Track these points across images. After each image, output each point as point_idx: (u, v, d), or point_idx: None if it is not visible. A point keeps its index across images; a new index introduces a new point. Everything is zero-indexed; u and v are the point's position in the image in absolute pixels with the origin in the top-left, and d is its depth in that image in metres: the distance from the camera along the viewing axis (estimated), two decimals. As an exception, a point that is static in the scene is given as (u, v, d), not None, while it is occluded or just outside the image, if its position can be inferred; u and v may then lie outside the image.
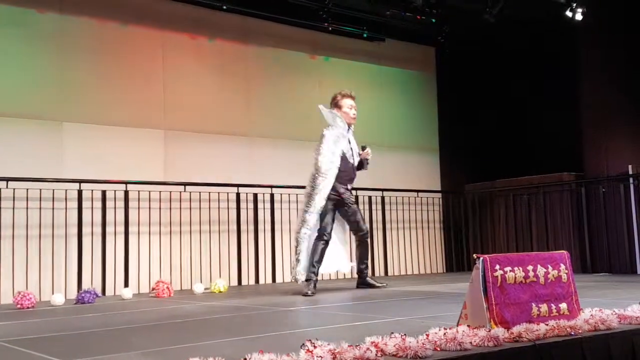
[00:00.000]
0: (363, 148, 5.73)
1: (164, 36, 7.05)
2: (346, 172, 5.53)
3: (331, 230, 5.47)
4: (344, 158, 5.51)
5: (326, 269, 5.63)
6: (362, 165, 5.77)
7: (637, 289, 5.00)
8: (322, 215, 5.42)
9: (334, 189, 5.46)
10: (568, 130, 8.24)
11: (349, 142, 5.60)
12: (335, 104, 5.64)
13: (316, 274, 5.37)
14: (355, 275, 5.91)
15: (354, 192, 7.65)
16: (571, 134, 8.08)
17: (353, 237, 5.80)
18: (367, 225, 5.88)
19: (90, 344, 3.11)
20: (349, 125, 5.62)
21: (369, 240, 5.84)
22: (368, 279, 5.79)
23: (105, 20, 6.69)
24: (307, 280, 5.31)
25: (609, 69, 7.61)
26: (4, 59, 6.11)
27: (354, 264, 5.81)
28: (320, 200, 5.35)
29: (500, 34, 8.49)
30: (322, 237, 5.41)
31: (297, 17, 7.76)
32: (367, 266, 5.78)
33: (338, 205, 5.52)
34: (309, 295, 5.12)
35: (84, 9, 6.57)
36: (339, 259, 5.66)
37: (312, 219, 5.37)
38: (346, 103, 5.60)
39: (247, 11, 7.48)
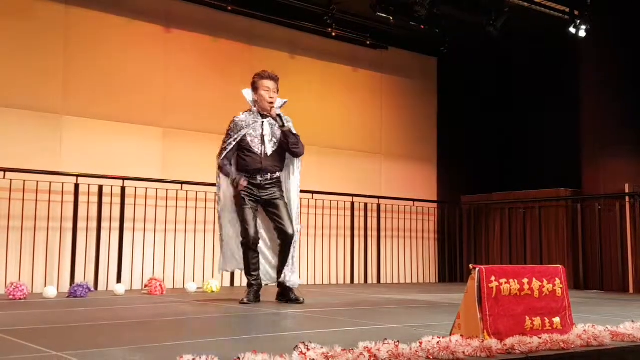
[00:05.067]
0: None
1: (168, 34, 7.06)
2: (247, 161, 4.81)
3: (254, 233, 4.75)
4: (243, 146, 4.82)
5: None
6: (287, 141, 4.83)
7: (629, 307, 5.02)
8: (238, 215, 4.79)
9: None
10: (566, 146, 8.28)
11: (261, 129, 4.84)
12: (252, 85, 4.92)
13: (255, 282, 4.81)
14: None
15: (358, 199, 7.85)
16: (569, 151, 8.12)
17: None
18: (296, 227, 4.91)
19: (81, 337, 3.10)
20: (265, 112, 4.84)
21: (292, 245, 4.83)
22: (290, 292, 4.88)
23: (110, 15, 6.69)
24: (248, 286, 4.83)
25: (609, 86, 7.65)
26: (6, 49, 6.10)
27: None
28: (223, 197, 4.84)
29: (502, 47, 8.54)
30: (246, 245, 4.77)
31: (302, 21, 7.78)
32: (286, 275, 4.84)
33: (253, 201, 4.81)
34: (245, 303, 4.64)
35: (89, 3, 6.57)
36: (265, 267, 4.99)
37: (224, 216, 4.88)
38: (262, 84, 4.83)
39: (252, 13, 7.50)
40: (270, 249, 5.01)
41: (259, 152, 4.82)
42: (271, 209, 4.85)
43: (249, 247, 4.76)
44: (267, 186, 4.83)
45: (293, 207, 4.95)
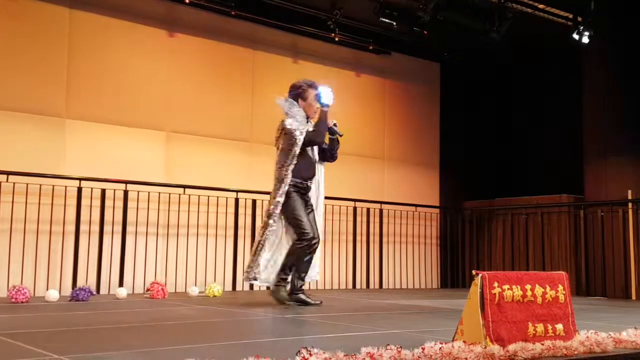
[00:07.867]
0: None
1: (171, 38, 7.07)
2: (306, 167, 4.95)
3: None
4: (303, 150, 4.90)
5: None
6: (333, 148, 5.15)
7: (632, 313, 5.01)
8: (301, 218, 4.80)
9: (298, 183, 4.90)
10: (569, 152, 8.28)
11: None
12: (298, 94, 5.00)
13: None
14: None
15: (360, 204, 7.85)
16: (572, 157, 8.12)
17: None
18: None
19: (84, 340, 3.10)
20: (308, 119, 5.06)
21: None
22: (300, 295, 4.94)
23: (114, 18, 6.71)
24: (301, 289, 4.93)
25: (612, 92, 7.65)
26: (9, 53, 6.12)
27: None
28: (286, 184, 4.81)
29: (505, 53, 8.54)
30: (309, 247, 4.82)
31: (305, 26, 7.80)
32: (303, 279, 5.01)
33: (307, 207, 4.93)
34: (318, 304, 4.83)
35: (93, 7, 6.59)
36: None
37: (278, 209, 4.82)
38: (312, 94, 4.99)
39: (255, 17, 7.52)
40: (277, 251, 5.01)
41: (312, 157, 5.01)
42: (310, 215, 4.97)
43: (312, 249, 4.86)
44: (310, 192, 5.01)
45: (320, 215, 5.11)
